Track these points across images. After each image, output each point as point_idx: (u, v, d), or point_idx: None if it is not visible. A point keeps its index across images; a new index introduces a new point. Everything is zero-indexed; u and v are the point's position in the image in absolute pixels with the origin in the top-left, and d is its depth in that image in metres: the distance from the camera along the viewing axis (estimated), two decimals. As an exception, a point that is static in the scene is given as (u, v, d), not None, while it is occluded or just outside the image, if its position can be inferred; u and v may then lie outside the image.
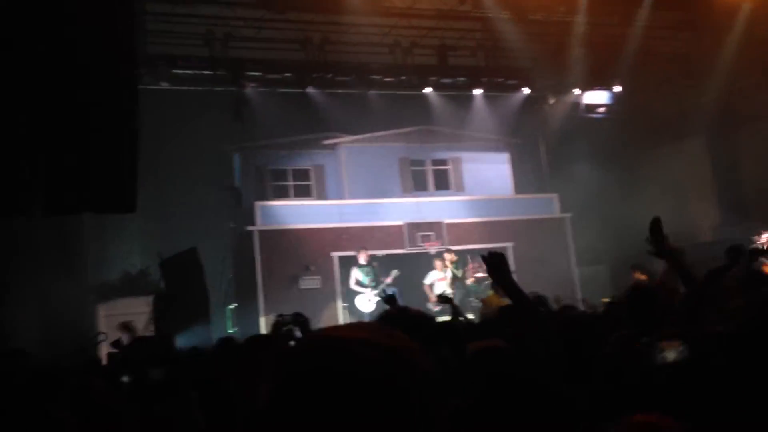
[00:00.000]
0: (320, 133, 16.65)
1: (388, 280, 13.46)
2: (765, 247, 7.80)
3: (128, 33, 8.83)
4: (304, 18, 14.87)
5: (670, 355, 2.73)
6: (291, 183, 16.58)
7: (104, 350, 8.10)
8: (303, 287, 14.71)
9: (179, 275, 9.83)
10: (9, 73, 7.85)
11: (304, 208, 15.84)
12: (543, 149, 18.44)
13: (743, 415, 2.11)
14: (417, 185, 17.02)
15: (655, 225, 3.77)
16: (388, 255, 15.19)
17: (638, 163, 18.16)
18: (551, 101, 17.53)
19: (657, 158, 17.86)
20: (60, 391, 3.18)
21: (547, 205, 17.30)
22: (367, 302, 13.42)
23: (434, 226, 15.99)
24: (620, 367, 3.01)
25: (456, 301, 8.56)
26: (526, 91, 16.86)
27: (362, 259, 13.86)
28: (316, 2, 14.48)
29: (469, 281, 13.80)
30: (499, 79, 16.73)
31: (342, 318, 14.53)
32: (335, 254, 15.23)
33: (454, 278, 13.44)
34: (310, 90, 15.36)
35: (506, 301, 9.02)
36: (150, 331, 8.75)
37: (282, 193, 16.38)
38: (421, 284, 13.84)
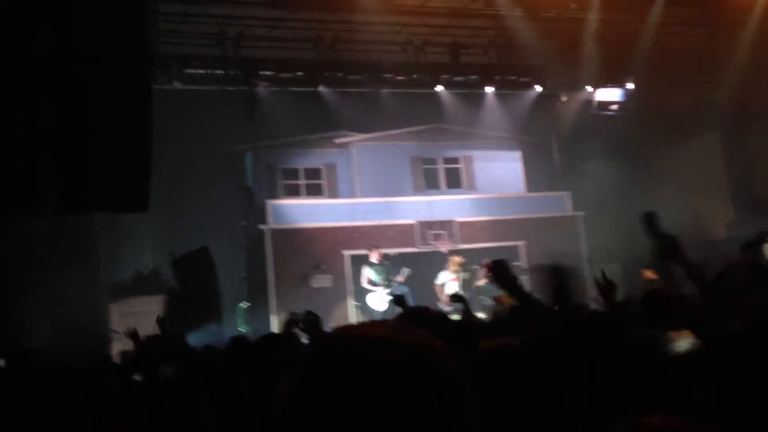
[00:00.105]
0: (332, 132, 16.66)
1: (400, 278, 13.45)
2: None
3: (142, 33, 8.87)
4: (316, 17, 14.87)
5: (681, 345, 2.72)
6: (303, 182, 16.60)
7: (117, 349, 8.15)
8: (314, 286, 14.72)
9: (191, 274, 9.89)
10: (25, 74, 7.90)
11: (316, 207, 15.86)
12: (555, 147, 18.36)
13: (753, 410, 2.09)
14: (429, 184, 17.00)
15: (648, 218, 3.75)
16: (400, 253, 15.19)
17: (651, 161, 18.04)
18: (564, 99, 17.45)
19: (670, 155, 17.73)
20: (74, 391, 3.19)
21: (560, 204, 17.23)
22: (380, 301, 13.41)
23: (446, 225, 15.97)
24: (633, 366, 3.00)
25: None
26: (539, 88, 16.79)
27: (374, 258, 13.86)
28: (328, 1, 14.47)
29: (481, 282, 13.69)
30: (512, 77, 16.68)
31: (353, 317, 14.53)
32: (347, 253, 15.24)
33: (464, 280, 13.43)
34: (321, 89, 15.38)
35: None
36: (158, 330, 8.79)
37: (294, 192, 16.41)
38: (433, 283, 13.82)
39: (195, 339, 7.78)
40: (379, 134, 16.70)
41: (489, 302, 11.99)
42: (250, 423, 2.88)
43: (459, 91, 16.68)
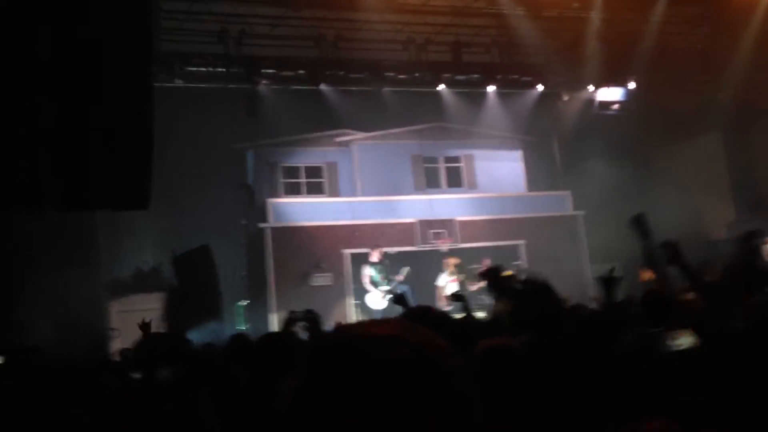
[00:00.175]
0: (333, 131, 16.65)
1: (400, 277, 13.44)
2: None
3: (145, 31, 8.87)
4: (318, 15, 14.88)
5: (682, 342, 2.72)
6: (303, 180, 16.59)
7: (116, 346, 8.16)
8: (314, 284, 14.73)
9: (191, 272, 9.88)
10: (27, 71, 7.90)
11: (317, 206, 15.86)
12: (556, 146, 18.35)
13: (753, 409, 2.09)
14: (429, 182, 17.00)
15: (637, 221, 3.79)
16: (400, 252, 15.19)
17: (652, 161, 18.02)
18: (565, 98, 17.44)
19: (671, 155, 17.72)
20: (74, 389, 3.19)
21: (560, 203, 17.23)
22: (379, 300, 13.41)
23: (446, 224, 15.97)
24: (634, 366, 3.00)
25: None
26: (540, 88, 16.79)
27: (374, 257, 13.85)
28: (330, -1, 14.50)
29: (475, 287, 13.34)
30: (514, 76, 16.67)
31: (353, 315, 14.54)
32: (347, 251, 15.23)
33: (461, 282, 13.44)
34: (323, 87, 15.38)
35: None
36: (162, 328, 8.79)
37: (294, 191, 16.41)
38: (432, 281, 13.84)
39: (195, 337, 7.78)
40: (381, 133, 16.70)
41: (488, 302, 11.97)
42: (251, 421, 2.88)
43: (460, 90, 16.68)
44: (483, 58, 16.64)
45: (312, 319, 4.82)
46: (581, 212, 16.98)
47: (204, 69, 14.54)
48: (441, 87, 16.20)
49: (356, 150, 16.65)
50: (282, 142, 16.43)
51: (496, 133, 17.40)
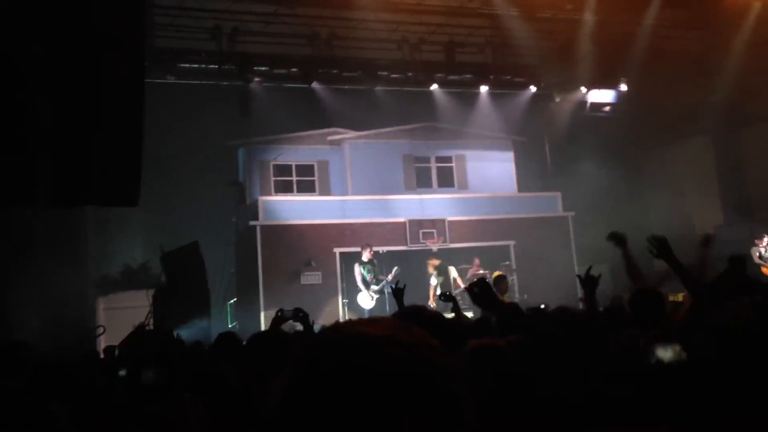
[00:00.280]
0: (325, 129, 16.63)
1: (389, 277, 13.43)
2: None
3: (136, 26, 8.82)
4: (312, 13, 14.84)
5: (665, 355, 2.72)
6: (294, 178, 16.57)
7: (102, 344, 8.11)
8: (304, 283, 14.71)
9: (180, 269, 9.81)
10: (16, 66, 7.85)
11: (307, 204, 15.84)
12: (547, 147, 18.40)
13: (737, 415, 2.09)
14: (420, 182, 17.01)
15: (613, 235, 4.04)
16: (389, 251, 15.19)
17: (643, 162, 18.11)
18: (557, 99, 17.49)
19: (661, 157, 17.82)
20: (59, 384, 3.17)
21: (550, 204, 17.28)
22: (367, 299, 13.38)
23: (436, 223, 15.98)
24: (621, 367, 3.00)
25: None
26: (533, 89, 16.82)
27: (365, 256, 13.82)
28: (324, -3, 14.47)
29: (456, 291, 13.38)
30: (506, 77, 16.70)
31: (342, 314, 14.52)
32: (337, 250, 15.22)
33: (438, 284, 13.54)
34: (315, 85, 15.34)
35: (506, 297, 8.97)
36: (150, 326, 8.75)
37: (285, 189, 16.38)
38: (422, 281, 13.84)
39: (182, 334, 7.75)
40: (372, 132, 16.69)
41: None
42: (240, 420, 2.87)
43: (453, 90, 16.69)
44: (476, 59, 16.66)
45: (300, 317, 4.80)
46: (571, 213, 17.03)
47: (196, 66, 14.49)
48: (434, 87, 16.21)
49: (348, 149, 16.63)
50: (273, 140, 16.40)
51: (487, 133, 17.43)
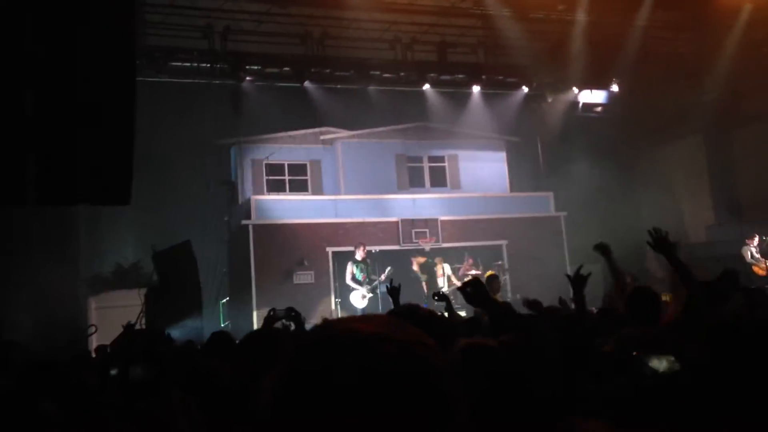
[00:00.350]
0: (317, 128, 16.62)
1: (383, 277, 13.43)
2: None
3: (127, 25, 8.78)
4: (305, 12, 14.82)
5: (660, 366, 2.72)
6: (287, 177, 16.55)
7: (94, 343, 8.07)
8: (297, 282, 14.69)
9: (172, 268, 9.77)
10: (7, 63, 7.80)
11: (300, 203, 15.82)
12: (540, 148, 18.44)
13: (736, 415, 2.10)
14: (413, 182, 17.02)
15: (599, 246, 4.11)
16: (382, 251, 15.19)
17: (635, 162, 18.17)
18: (549, 100, 17.52)
19: (653, 157, 17.89)
20: (52, 384, 3.15)
21: (543, 204, 17.32)
22: (360, 298, 13.38)
23: (429, 223, 15.99)
24: (617, 366, 3.00)
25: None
26: (525, 89, 16.84)
27: (359, 255, 13.80)
28: (317, -4, 14.45)
29: (445, 289, 13.43)
30: (499, 77, 16.70)
31: (335, 313, 14.51)
32: (330, 249, 15.21)
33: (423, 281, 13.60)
34: (308, 84, 15.31)
35: (499, 296, 8.98)
36: (141, 325, 8.71)
37: (278, 188, 16.35)
38: (415, 280, 13.86)
39: (174, 334, 7.72)
40: (365, 131, 16.69)
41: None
42: (234, 419, 2.86)
43: (445, 90, 16.69)
44: (468, 59, 16.66)
45: (293, 317, 4.80)
46: (563, 213, 17.08)
47: (188, 64, 14.41)
48: (426, 87, 16.20)
49: (340, 148, 16.63)
50: (266, 139, 16.38)
51: (480, 133, 17.46)
